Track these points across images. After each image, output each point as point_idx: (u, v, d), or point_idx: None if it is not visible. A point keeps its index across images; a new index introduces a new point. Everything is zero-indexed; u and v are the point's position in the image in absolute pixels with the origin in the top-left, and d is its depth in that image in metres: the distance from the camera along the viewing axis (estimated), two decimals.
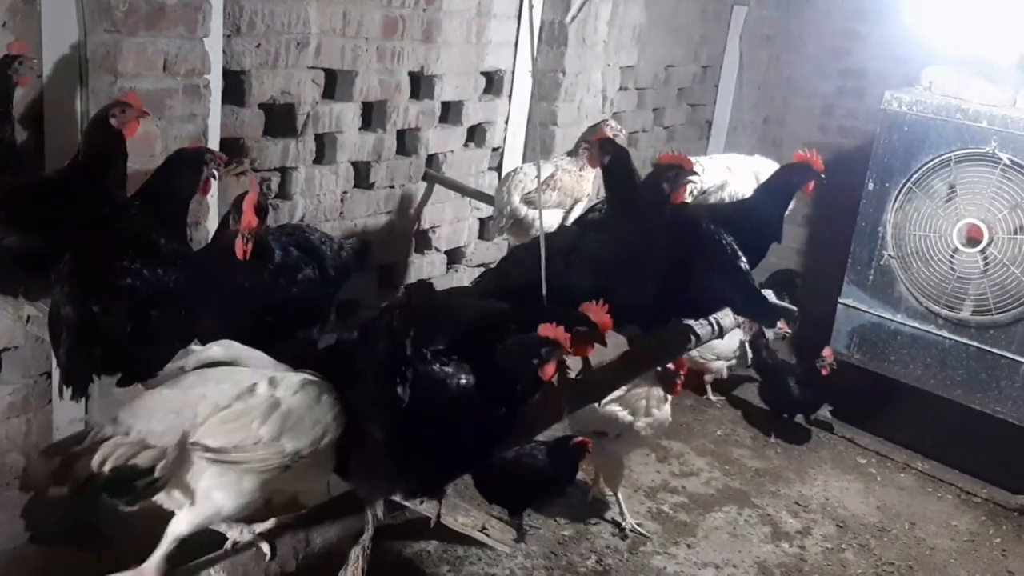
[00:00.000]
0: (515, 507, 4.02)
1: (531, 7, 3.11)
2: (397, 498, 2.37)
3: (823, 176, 3.62)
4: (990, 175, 4.86)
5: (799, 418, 5.53)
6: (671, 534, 4.35)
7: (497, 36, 4.61)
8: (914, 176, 5.12)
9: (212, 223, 3.43)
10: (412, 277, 4.56)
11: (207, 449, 1.93)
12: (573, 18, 4.34)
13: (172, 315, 2.58)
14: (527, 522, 4.17)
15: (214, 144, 3.40)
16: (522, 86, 4.79)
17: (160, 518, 2.34)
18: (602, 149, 3.45)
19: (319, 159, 3.96)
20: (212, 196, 3.43)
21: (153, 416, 1.93)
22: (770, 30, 6.54)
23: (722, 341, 4.57)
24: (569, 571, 3.99)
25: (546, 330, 2.26)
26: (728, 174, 4.29)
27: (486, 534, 2.19)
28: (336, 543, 2.27)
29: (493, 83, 4.75)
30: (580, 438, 3.94)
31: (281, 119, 3.79)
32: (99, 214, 2.72)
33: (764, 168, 4.22)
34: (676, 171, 3.00)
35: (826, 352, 5.26)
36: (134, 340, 2.53)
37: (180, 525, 2.04)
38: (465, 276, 4.87)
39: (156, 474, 1.90)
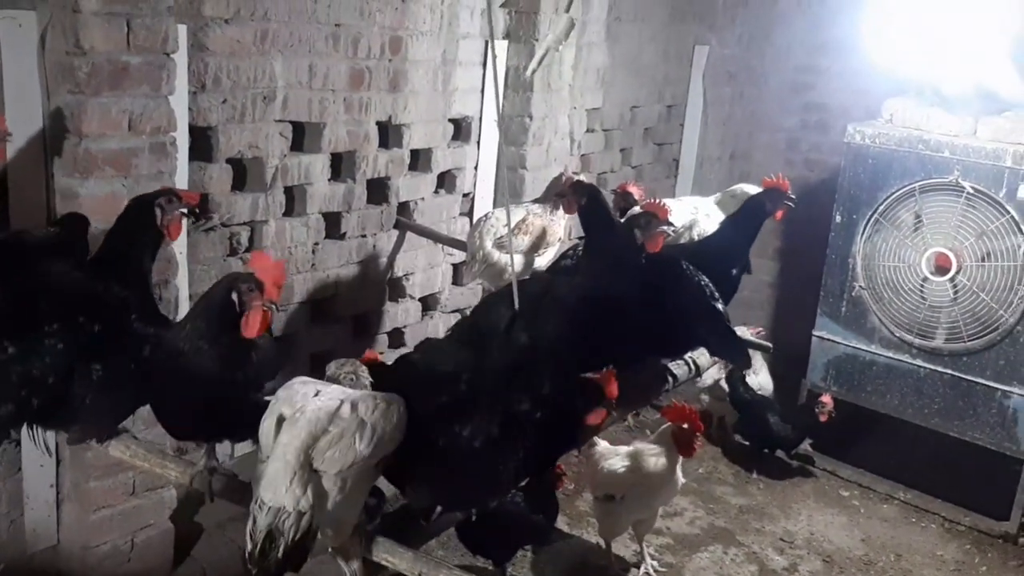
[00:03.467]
0: (499, 557, 3.95)
1: (494, 56, 3.12)
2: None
3: (792, 199, 3.65)
4: (955, 204, 4.92)
5: (780, 453, 5.51)
6: None
7: (463, 83, 4.64)
8: (880, 207, 5.17)
9: (182, 280, 3.41)
10: (386, 325, 4.54)
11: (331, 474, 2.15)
12: (534, 71, 4.38)
13: (116, 374, 2.50)
14: (511, 572, 4.11)
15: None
16: (490, 132, 4.81)
17: None
18: (576, 192, 3.47)
19: (289, 211, 3.94)
20: (181, 253, 3.42)
21: (289, 484, 2.11)
22: (732, 67, 6.64)
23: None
24: None
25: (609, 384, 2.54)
26: (696, 213, 4.30)
27: None
28: None
29: (461, 130, 4.77)
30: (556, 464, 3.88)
31: (250, 173, 3.78)
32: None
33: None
34: (648, 219, 3.00)
35: (825, 398, 5.24)
36: (73, 394, 2.45)
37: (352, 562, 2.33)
38: (441, 322, 4.85)
39: (315, 530, 2.12)
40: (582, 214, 3.48)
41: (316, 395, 2.25)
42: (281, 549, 2.06)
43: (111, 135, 3.04)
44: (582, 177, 4.19)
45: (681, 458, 4.04)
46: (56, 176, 3.05)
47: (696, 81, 6.40)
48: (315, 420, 2.18)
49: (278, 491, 2.10)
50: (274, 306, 2.43)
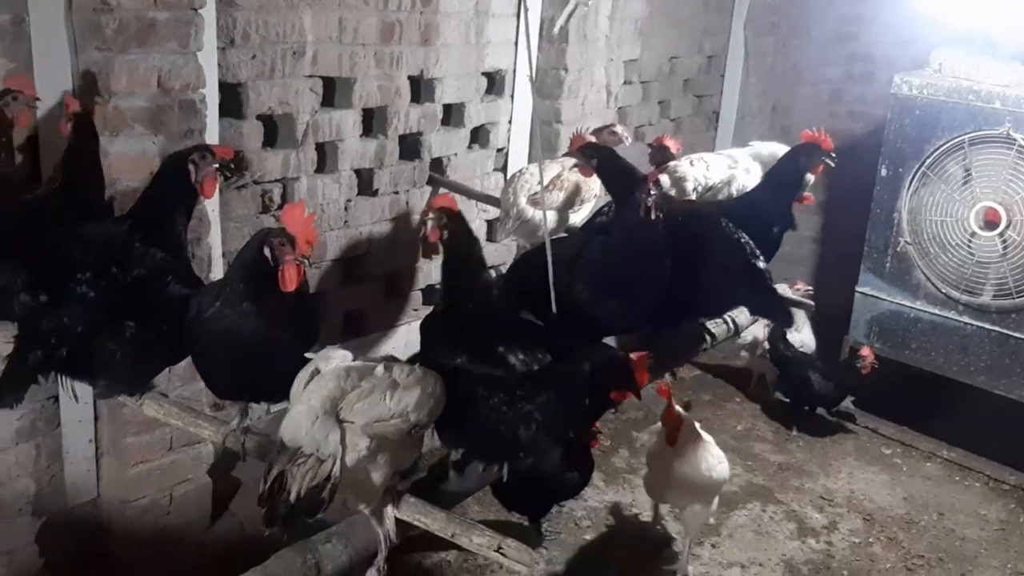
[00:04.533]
0: (534, 513, 3.96)
1: (526, 8, 3.04)
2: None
3: (833, 156, 3.54)
4: (1005, 157, 4.75)
5: (820, 410, 5.44)
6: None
7: (496, 36, 4.55)
8: (928, 160, 5.02)
9: (215, 238, 3.40)
10: (419, 282, 4.51)
11: (357, 426, 2.14)
12: (564, 23, 4.28)
13: (149, 332, 2.50)
14: (547, 527, 4.11)
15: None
16: (524, 85, 4.73)
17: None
18: (585, 155, 3.38)
19: (321, 168, 3.91)
20: (214, 211, 3.41)
21: (310, 427, 2.09)
22: (774, 17, 6.45)
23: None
24: None
25: (640, 368, 2.52)
26: (735, 168, 4.20)
27: (503, 554, 2.13)
28: (348, 566, 2.23)
29: (495, 83, 4.69)
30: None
31: (280, 130, 3.75)
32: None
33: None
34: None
35: (865, 352, 5.14)
36: (104, 348, 2.46)
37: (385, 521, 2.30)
38: None
39: (333, 480, 2.08)
40: (599, 175, 3.41)
41: (354, 359, 2.26)
42: (293, 492, 2.02)
43: (140, 93, 3.02)
44: (617, 129, 4.10)
45: (705, 451, 3.82)
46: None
47: (737, 31, 6.24)
48: (347, 375, 2.18)
49: (297, 432, 2.09)
50: (306, 260, 2.40)
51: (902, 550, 4.33)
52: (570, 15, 4.37)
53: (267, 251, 2.36)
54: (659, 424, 3.92)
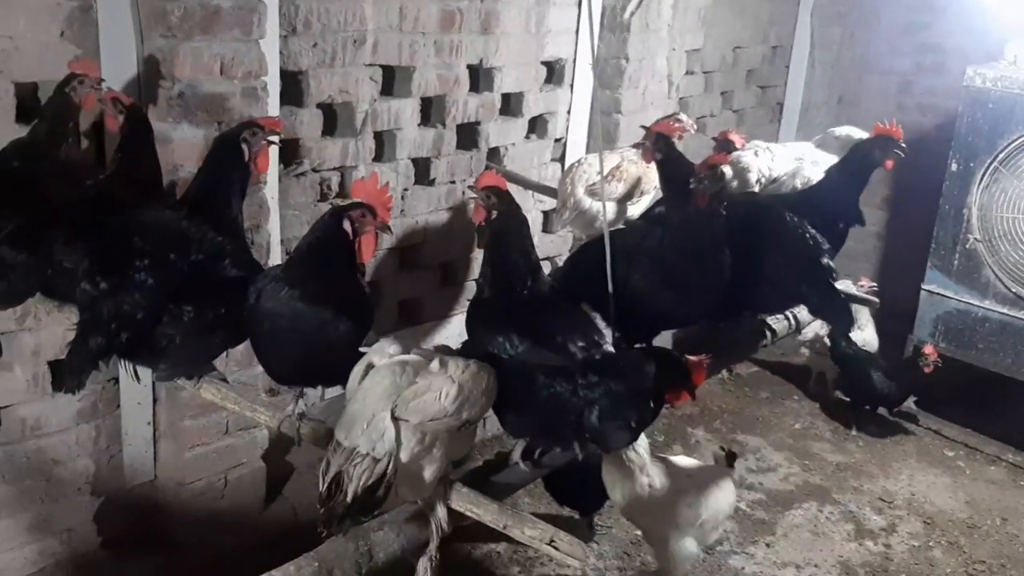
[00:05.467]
0: (585, 508, 3.93)
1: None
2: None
3: (904, 148, 3.44)
4: None
5: (881, 410, 5.32)
6: (749, 533, 4.21)
7: (557, 24, 4.50)
8: (1000, 155, 4.88)
9: (274, 225, 3.43)
10: (474, 273, 4.49)
11: (412, 424, 2.13)
12: (632, 12, 4.21)
13: (207, 316, 2.52)
14: (598, 521, 4.08)
15: (273, 146, 3.38)
16: (584, 75, 4.68)
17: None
18: (655, 145, 3.33)
19: (379, 157, 3.92)
20: (273, 198, 3.43)
21: (365, 427, 2.09)
22: (842, 6, 6.30)
23: None
24: (643, 572, 3.88)
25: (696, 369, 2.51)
26: (802, 160, 4.11)
27: (555, 547, 2.11)
28: (401, 556, 2.23)
29: (554, 72, 4.65)
30: None
31: (340, 118, 3.76)
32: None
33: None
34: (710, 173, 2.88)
35: (927, 350, 5.01)
36: (163, 333, 2.47)
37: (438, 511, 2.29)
38: None
39: (388, 478, 2.08)
40: (660, 169, 3.36)
41: (409, 351, 2.25)
42: (350, 493, 2.03)
43: (203, 79, 3.05)
44: (682, 117, 4.03)
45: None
46: (150, 121, 3.07)
47: (803, 20, 6.10)
48: (402, 370, 2.16)
49: (353, 432, 2.09)
50: (388, 228, 2.41)
51: (963, 555, 4.22)
52: (640, 2, 4.30)
53: (347, 224, 2.36)
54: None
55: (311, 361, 2.46)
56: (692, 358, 2.53)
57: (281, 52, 3.39)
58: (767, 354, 5.59)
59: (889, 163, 3.43)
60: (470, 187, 2.99)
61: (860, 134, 3.94)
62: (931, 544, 4.28)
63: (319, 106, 3.62)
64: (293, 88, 3.52)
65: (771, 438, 5.06)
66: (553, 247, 4.85)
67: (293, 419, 2.51)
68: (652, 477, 3.32)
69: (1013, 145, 4.83)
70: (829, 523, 4.36)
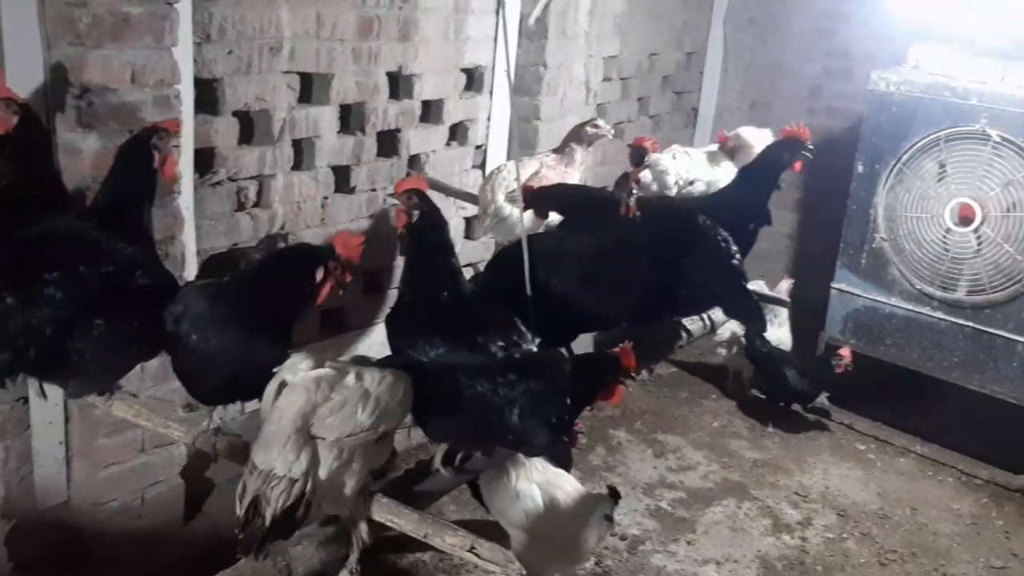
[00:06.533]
0: None
1: (503, 4, 3.02)
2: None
3: (811, 150, 3.55)
4: (980, 153, 4.80)
5: (796, 406, 5.47)
6: (670, 531, 4.29)
7: (476, 32, 4.53)
8: (904, 157, 5.05)
9: (189, 236, 3.37)
10: (397, 281, 4.49)
11: (329, 441, 2.13)
12: (536, 19, 4.26)
13: (119, 330, 2.46)
14: None
15: (187, 155, 3.33)
16: (503, 82, 4.71)
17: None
18: (538, 201, 3.38)
19: (297, 165, 3.88)
20: (188, 208, 3.37)
21: (282, 448, 2.07)
22: (754, 13, 6.46)
23: None
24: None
25: (624, 356, 2.54)
26: (711, 165, 4.22)
27: (476, 554, 2.13)
28: (321, 570, 2.22)
29: (474, 80, 4.67)
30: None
31: (257, 126, 3.72)
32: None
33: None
34: (623, 180, 2.99)
35: (843, 351, 5.17)
36: (73, 348, 2.41)
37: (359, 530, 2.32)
38: None
39: (307, 497, 2.08)
40: (558, 212, 3.43)
41: (322, 365, 2.23)
42: (268, 516, 2.02)
43: (113, 88, 2.98)
44: (599, 123, 4.09)
45: None
46: (58, 131, 3.00)
47: (716, 27, 6.24)
48: (317, 386, 2.15)
49: (269, 454, 2.07)
50: (348, 283, 2.51)
51: (876, 545, 4.37)
52: (545, 7, 4.35)
53: (320, 272, 2.43)
54: None
55: (240, 383, 2.44)
56: (614, 350, 2.58)
57: (195, 60, 3.34)
58: (686, 355, 5.70)
59: (797, 164, 3.56)
60: (390, 194, 3.01)
61: (753, 133, 4.06)
62: (845, 536, 4.42)
63: (235, 114, 3.57)
64: (208, 96, 3.47)
65: (690, 437, 5.17)
66: (476, 253, 4.87)
67: (208, 434, 2.48)
68: (518, 486, 3.29)
69: (916, 147, 5.00)
70: (747, 519, 4.47)
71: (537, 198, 3.42)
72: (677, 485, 4.68)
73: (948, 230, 4.94)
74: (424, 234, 2.84)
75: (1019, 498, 4.84)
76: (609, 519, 3.24)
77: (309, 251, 2.50)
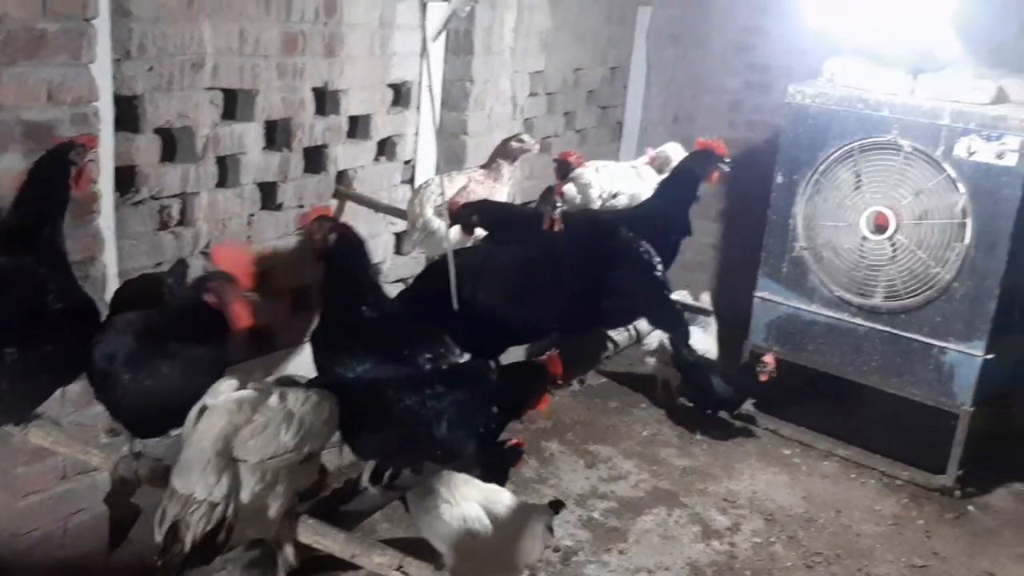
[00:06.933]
0: None
1: (424, 19, 3.05)
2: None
3: (727, 162, 3.65)
4: (893, 162, 4.96)
5: (723, 414, 5.57)
6: (602, 541, 4.34)
7: (402, 47, 4.54)
8: (821, 167, 5.19)
9: (110, 257, 3.30)
10: None
11: (251, 464, 2.10)
12: (437, 36, 4.27)
13: (32, 358, 2.37)
14: None
15: (108, 174, 3.27)
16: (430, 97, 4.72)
17: None
18: (464, 217, 3.41)
19: (222, 182, 3.84)
20: (109, 228, 3.31)
21: (202, 471, 2.04)
22: (675, 29, 6.60)
23: None
24: None
25: (551, 363, 2.57)
26: (634, 177, 4.30)
27: (404, 573, 2.13)
28: None
29: (401, 95, 4.68)
30: (514, 440, 3.86)
31: (179, 143, 3.67)
32: None
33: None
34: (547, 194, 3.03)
35: (767, 358, 5.28)
36: None
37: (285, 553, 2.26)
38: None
39: (229, 521, 2.05)
40: (483, 228, 3.47)
41: (244, 387, 2.20)
42: (188, 542, 1.98)
43: (29, 106, 2.91)
44: (524, 138, 4.14)
45: None
46: None
47: (639, 43, 6.35)
48: (238, 408, 2.12)
49: (189, 478, 2.04)
50: (253, 294, 2.39)
51: (802, 548, 4.48)
52: (446, 23, 4.38)
53: (209, 297, 2.34)
54: None
55: (175, 415, 2.40)
56: (540, 358, 2.61)
57: (114, 76, 3.28)
58: (615, 365, 5.78)
59: (714, 176, 3.64)
60: (298, 229, 3.01)
61: (677, 148, 4.17)
62: (772, 540, 4.52)
63: (157, 131, 3.52)
64: (128, 113, 3.41)
65: (621, 446, 5.23)
66: (406, 268, 4.87)
67: (130, 459, 2.44)
68: (462, 507, 3.24)
69: (832, 158, 5.14)
70: (678, 526, 4.54)
71: (463, 214, 3.44)
72: (609, 495, 4.74)
73: (864, 238, 5.09)
74: (343, 254, 2.85)
75: (938, 497, 5.00)
76: (550, 529, 3.27)
77: (200, 279, 2.43)
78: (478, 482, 3.32)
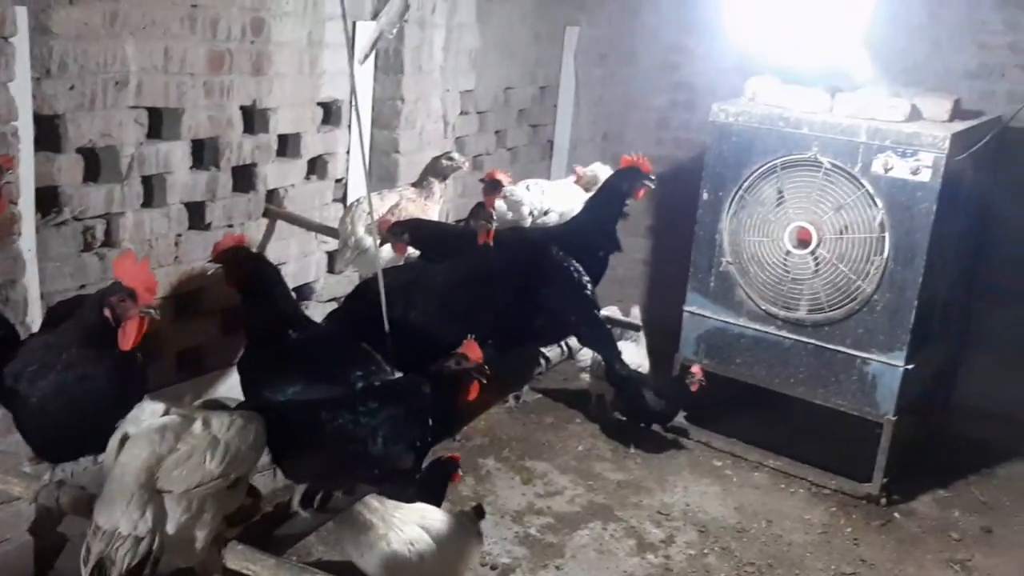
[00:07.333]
0: None
1: (350, 37, 3.05)
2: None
3: (652, 179, 3.71)
4: (814, 179, 5.09)
5: (656, 427, 5.64)
6: (539, 557, 4.35)
7: (332, 65, 4.52)
8: (745, 184, 5.30)
9: (31, 279, 3.22)
10: None
11: (176, 494, 2.05)
12: (365, 57, 4.30)
13: None
14: None
15: (28, 195, 3.19)
16: (362, 115, 4.70)
17: None
18: (395, 234, 3.43)
19: (148, 202, 3.77)
20: (30, 251, 3.23)
21: (126, 506, 1.99)
22: (603, 48, 6.69)
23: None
24: None
25: (471, 351, 2.55)
26: (564, 195, 4.36)
27: None
28: None
29: (331, 113, 4.66)
30: (450, 454, 3.86)
31: (103, 163, 3.59)
32: None
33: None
34: (478, 209, 3.13)
35: (694, 369, 5.37)
36: None
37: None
38: (316, 312, 4.73)
39: (155, 554, 2.00)
40: (414, 246, 3.48)
41: (166, 413, 2.15)
42: None
43: None
44: (454, 155, 4.16)
45: None
46: None
47: (568, 62, 6.43)
48: (161, 437, 2.07)
49: (112, 514, 1.98)
50: (152, 311, 2.32)
51: (735, 559, 4.54)
52: (374, 44, 4.40)
53: (108, 312, 2.27)
54: None
55: (88, 437, 2.34)
56: (457, 351, 2.61)
57: (34, 95, 3.20)
58: (550, 380, 5.81)
59: (639, 193, 3.70)
60: (210, 261, 2.97)
61: (605, 169, 4.23)
62: (706, 551, 4.58)
63: (80, 151, 3.44)
64: (50, 132, 3.33)
65: (557, 462, 5.26)
66: (340, 287, 4.83)
67: (51, 488, 2.37)
68: (405, 532, 3.26)
69: (755, 174, 5.25)
70: (613, 540, 4.58)
71: (395, 232, 3.44)
72: (545, 511, 4.75)
73: (788, 252, 5.22)
74: (260, 280, 2.84)
75: (865, 505, 5.13)
76: (480, 535, 3.28)
77: (95, 295, 2.36)
78: (406, 504, 3.31)
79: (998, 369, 5.87)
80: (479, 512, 3.38)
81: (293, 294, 2.81)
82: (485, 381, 2.57)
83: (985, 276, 5.90)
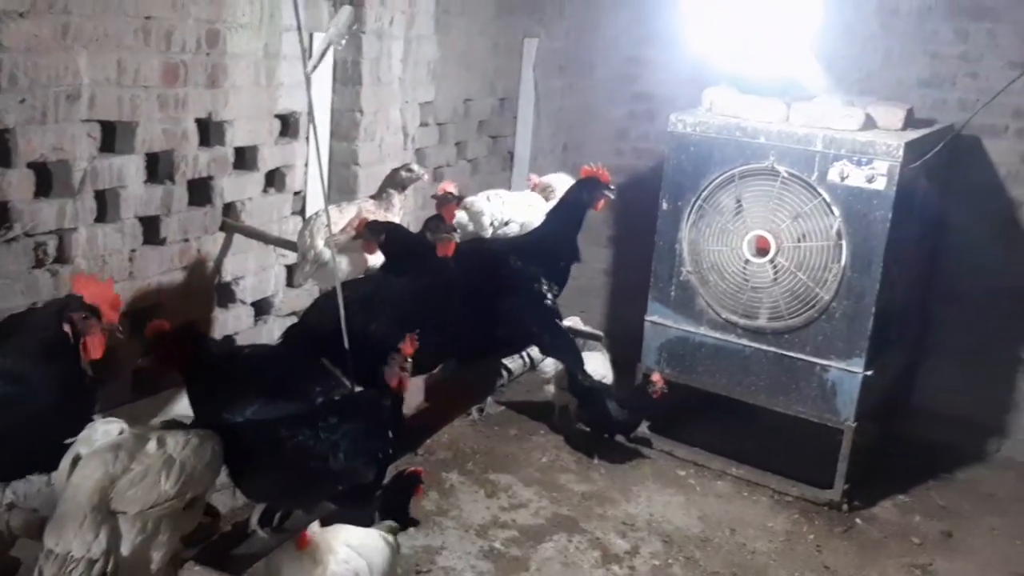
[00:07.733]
0: None
1: (304, 49, 3.03)
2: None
3: (612, 189, 3.72)
4: (771, 188, 5.14)
5: (620, 437, 5.64)
6: (504, 571, 4.32)
7: (289, 78, 4.48)
8: (704, 193, 5.32)
9: None
10: (216, 333, 4.34)
11: (131, 515, 2.01)
12: (314, 68, 4.27)
13: None
14: None
15: None
16: (320, 127, 4.67)
17: None
18: (373, 232, 3.40)
19: (101, 217, 3.70)
20: None
21: (78, 528, 1.94)
22: (562, 59, 6.72)
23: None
24: None
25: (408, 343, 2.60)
26: (525, 206, 4.36)
27: None
28: None
29: (289, 125, 4.62)
30: (412, 468, 3.81)
31: (55, 177, 3.52)
32: None
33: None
34: (437, 222, 3.14)
35: (655, 377, 5.38)
36: None
37: None
38: (276, 327, 4.68)
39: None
40: (385, 251, 3.44)
41: (120, 433, 2.11)
42: None
43: None
44: (413, 167, 4.14)
45: None
46: None
47: (527, 73, 6.44)
48: (115, 457, 2.03)
49: (64, 536, 1.94)
50: (117, 327, 2.28)
51: (699, 568, 4.55)
52: (322, 55, 4.37)
53: (68, 327, 2.23)
54: None
55: (42, 454, 2.29)
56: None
57: None
58: (514, 392, 5.79)
59: (599, 203, 3.71)
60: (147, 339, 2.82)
61: (564, 180, 4.24)
62: (670, 561, 4.58)
63: (30, 165, 3.37)
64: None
65: (521, 474, 5.24)
66: (299, 301, 4.78)
67: (1, 511, 2.32)
68: (359, 565, 3.17)
69: (713, 184, 5.28)
70: (578, 552, 4.56)
71: (372, 229, 3.40)
72: (509, 524, 4.72)
73: (747, 261, 5.25)
74: (194, 358, 2.80)
75: (827, 512, 5.17)
76: (398, 547, 3.33)
77: (47, 311, 2.32)
78: (340, 530, 3.24)
79: (956, 372, 5.96)
80: (398, 526, 3.36)
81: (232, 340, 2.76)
82: (406, 372, 2.57)
83: (941, 281, 5.99)
